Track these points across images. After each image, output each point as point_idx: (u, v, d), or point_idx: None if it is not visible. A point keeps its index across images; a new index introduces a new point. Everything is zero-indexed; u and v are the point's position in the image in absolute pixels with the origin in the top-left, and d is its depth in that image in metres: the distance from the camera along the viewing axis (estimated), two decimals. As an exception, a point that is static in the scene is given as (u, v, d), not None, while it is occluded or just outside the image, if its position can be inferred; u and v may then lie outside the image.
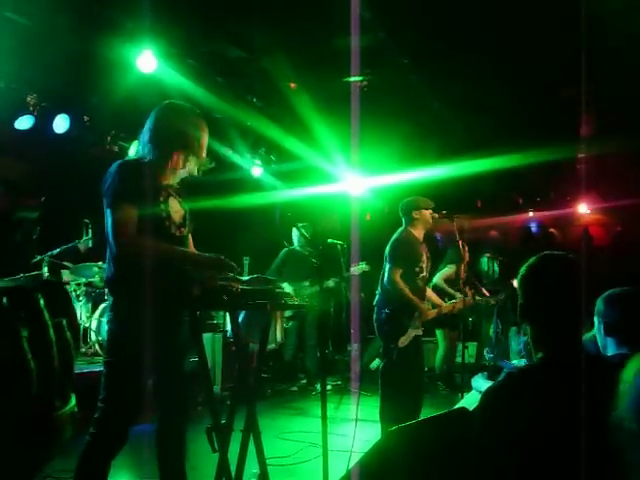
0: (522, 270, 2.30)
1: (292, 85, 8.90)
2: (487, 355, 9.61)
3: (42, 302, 2.53)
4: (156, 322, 3.42)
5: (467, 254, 7.65)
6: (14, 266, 7.46)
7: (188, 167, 3.75)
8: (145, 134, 3.73)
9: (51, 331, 2.41)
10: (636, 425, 1.49)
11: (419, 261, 6.17)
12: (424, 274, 6.26)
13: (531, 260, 2.30)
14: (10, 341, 2.27)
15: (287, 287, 8.75)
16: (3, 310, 2.37)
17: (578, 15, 6.81)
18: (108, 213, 3.47)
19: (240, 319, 4.12)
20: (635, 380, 1.55)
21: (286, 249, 9.36)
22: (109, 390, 3.51)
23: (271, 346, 9.13)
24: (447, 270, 9.63)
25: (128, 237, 3.43)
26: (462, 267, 7.49)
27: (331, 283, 8.89)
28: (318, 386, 9.51)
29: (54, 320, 2.64)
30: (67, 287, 8.70)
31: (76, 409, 2.69)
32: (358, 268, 9.24)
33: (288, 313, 9.42)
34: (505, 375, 2.25)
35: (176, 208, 3.73)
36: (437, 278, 9.53)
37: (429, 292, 6.70)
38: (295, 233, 9.25)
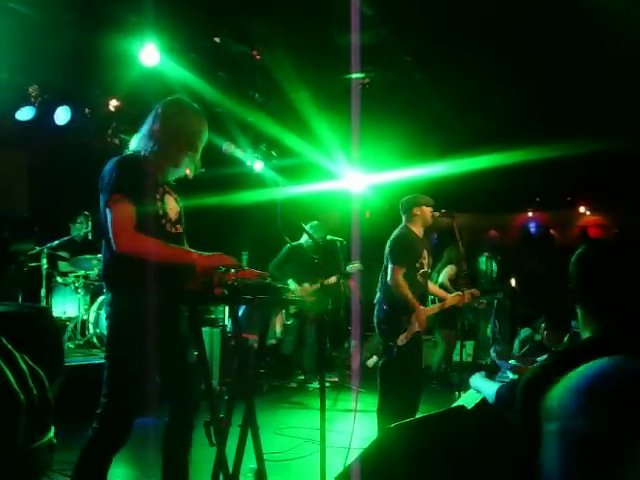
0: (576, 255, 2.32)
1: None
2: (493, 354, 9.64)
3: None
4: (155, 316, 3.42)
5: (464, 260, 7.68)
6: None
7: (184, 165, 3.75)
8: (145, 128, 3.72)
9: (20, 361, 2.40)
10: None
11: (419, 257, 6.15)
12: (425, 269, 6.23)
13: (584, 246, 2.32)
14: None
15: (292, 284, 8.76)
16: None
17: (581, 14, 6.83)
18: (107, 210, 3.46)
19: (240, 313, 4.12)
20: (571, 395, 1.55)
21: (290, 245, 9.29)
22: (111, 385, 3.51)
23: (270, 341, 9.15)
24: (449, 270, 9.68)
25: (128, 234, 3.42)
26: (462, 266, 7.50)
27: (333, 280, 8.88)
28: (315, 383, 9.53)
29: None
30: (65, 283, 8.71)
31: (54, 440, 2.67)
32: (353, 267, 9.22)
33: (291, 310, 9.43)
34: (549, 355, 2.25)
35: (172, 205, 3.71)
36: (442, 278, 9.59)
37: (433, 287, 6.69)
38: (309, 229, 9.23)
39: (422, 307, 6.10)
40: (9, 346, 2.38)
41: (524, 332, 10.73)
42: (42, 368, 2.38)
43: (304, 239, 9.17)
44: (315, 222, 9.43)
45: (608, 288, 2.24)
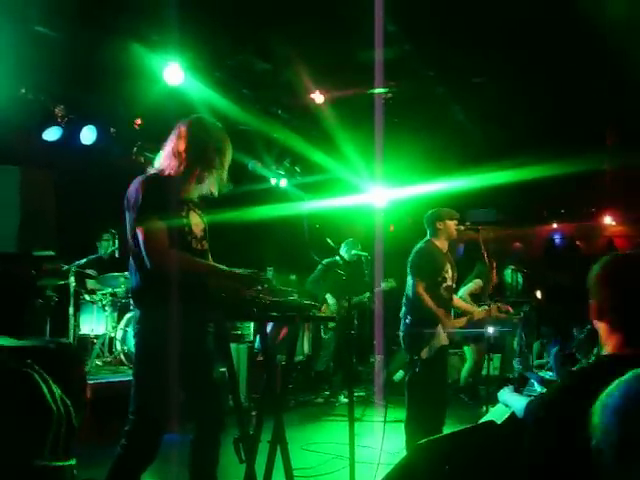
0: (596, 269, 2.31)
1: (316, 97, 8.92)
2: (517, 366, 9.59)
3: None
4: (183, 333, 3.44)
5: (495, 271, 7.61)
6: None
7: (209, 182, 3.78)
8: (169, 146, 3.76)
9: (52, 385, 2.45)
10: (614, 462, 1.49)
11: (442, 270, 6.14)
12: (448, 283, 6.21)
13: (605, 260, 2.31)
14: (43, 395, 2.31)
15: (330, 299, 8.78)
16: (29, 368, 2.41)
17: (601, 28, 6.81)
18: (138, 229, 3.50)
19: (267, 330, 4.14)
20: (605, 413, 1.56)
21: (326, 261, 9.26)
22: (139, 402, 3.54)
23: (299, 358, 9.16)
24: (472, 285, 9.59)
25: (162, 251, 3.46)
26: (489, 282, 7.46)
27: (365, 297, 8.89)
28: (341, 398, 9.50)
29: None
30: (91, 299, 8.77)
31: (76, 471, 2.70)
32: (386, 285, 9.22)
33: (330, 325, 9.43)
34: (567, 373, 2.26)
35: (197, 222, 3.75)
36: (462, 293, 9.51)
37: (458, 301, 6.67)
38: (344, 245, 9.22)
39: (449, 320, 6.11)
40: (42, 371, 2.43)
41: (537, 346, 10.69)
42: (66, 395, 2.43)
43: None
44: (350, 239, 9.45)
45: (632, 301, 2.24)
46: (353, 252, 9.33)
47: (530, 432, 2.25)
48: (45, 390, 2.27)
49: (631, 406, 1.53)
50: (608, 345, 2.27)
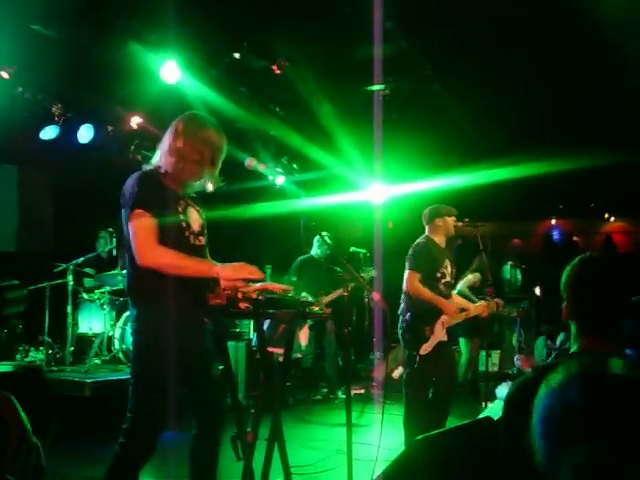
0: (566, 272, 2.36)
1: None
2: (517, 362, 9.59)
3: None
4: (180, 331, 3.44)
5: (490, 270, 7.64)
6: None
7: (205, 179, 3.78)
8: (164, 143, 3.75)
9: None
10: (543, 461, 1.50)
11: (440, 266, 6.13)
12: (447, 279, 6.21)
13: (572, 264, 2.37)
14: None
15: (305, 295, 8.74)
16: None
17: (601, 25, 6.80)
18: (129, 224, 3.50)
19: (265, 327, 4.13)
20: (541, 410, 1.56)
21: (302, 258, 9.31)
22: (137, 400, 3.52)
23: (295, 355, 9.15)
24: (472, 278, 9.58)
25: (151, 248, 3.45)
26: (486, 276, 7.46)
27: (339, 292, 8.84)
28: (339, 394, 9.51)
29: None
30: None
31: None
32: (366, 274, 9.21)
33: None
34: (532, 369, 2.29)
35: (194, 217, 3.74)
36: (461, 286, 9.48)
37: (456, 297, 6.67)
38: (316, 242, 9.21)
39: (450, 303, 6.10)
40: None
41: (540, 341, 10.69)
42: (34, 423, 2.42)
43: (314, 251, 9.20)
44: (326, 233, 9.43)
45: (594, 306, 2.30)
46: (351, 249, 9.34)
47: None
48: (21, 411, 2.27)
49: (548, 422, 1.53)
50: (575, 346, 2.34)
